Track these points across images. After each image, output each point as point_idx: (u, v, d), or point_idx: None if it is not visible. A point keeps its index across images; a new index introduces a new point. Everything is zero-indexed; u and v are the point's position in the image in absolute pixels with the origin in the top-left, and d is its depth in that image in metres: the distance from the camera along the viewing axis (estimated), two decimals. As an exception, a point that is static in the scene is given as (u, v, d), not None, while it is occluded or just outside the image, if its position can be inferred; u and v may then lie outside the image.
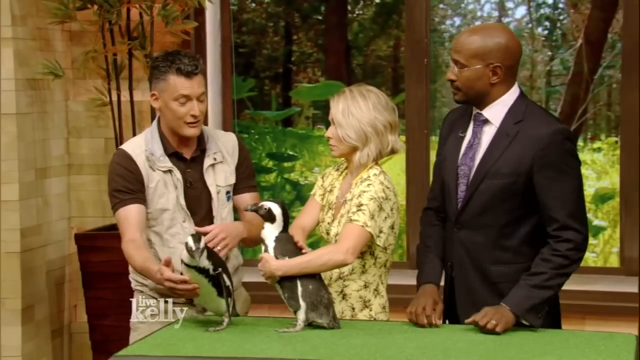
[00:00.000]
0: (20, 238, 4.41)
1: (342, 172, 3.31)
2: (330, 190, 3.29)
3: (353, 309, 3.19)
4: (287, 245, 3.02)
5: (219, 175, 3.32)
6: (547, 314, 2.94)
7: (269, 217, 3.02)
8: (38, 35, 4.55)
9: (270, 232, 3.02)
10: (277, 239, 3.01)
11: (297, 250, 3.05)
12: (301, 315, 2.95)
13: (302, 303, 2.96)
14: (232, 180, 3.35)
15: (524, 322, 2.87)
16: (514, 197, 2.94)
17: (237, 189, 3.37)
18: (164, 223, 3.27)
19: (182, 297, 3.01)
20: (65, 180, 4.78)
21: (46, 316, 4.62)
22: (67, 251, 4.77)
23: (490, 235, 2.99)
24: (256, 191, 3.43)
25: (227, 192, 3.35)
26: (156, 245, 3.28)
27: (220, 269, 2.95)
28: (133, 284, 3.37)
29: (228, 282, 2.95)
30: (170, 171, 3.26)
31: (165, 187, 3.25)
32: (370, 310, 3.19)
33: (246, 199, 3.36)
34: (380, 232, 3.12)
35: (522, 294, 2.88)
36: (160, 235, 3.28)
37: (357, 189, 3.14)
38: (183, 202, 3.26)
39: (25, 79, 4.45)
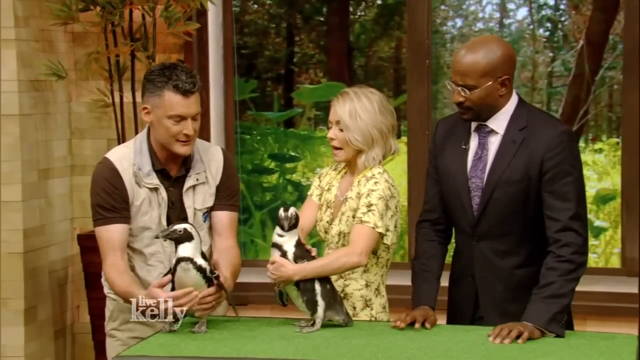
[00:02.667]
0: (23, 239, 4.42)
1: (340, 171, 3.31)
2: (328, 189, 3.28)
3: (354, 308, 3.19)
4: (303, 250, 3.01)
5: (198, 197, 3.21)
6: None
7: (295, 224, 2.98)
8: (41, 36, 4.57)
9: (291, 238, 2.98)
10: (297, 244, 2.99)
11: (309, 254, 3.05)
12: (320, 314, 2.96)
13: (321, 302, 2.96)
14: (210, 202, 3.24)
15: (548, 334, 2.84)
16: (529, 201, 2.94)
17: (215, 205, 3.25)
18: (144, 241, 3.19)
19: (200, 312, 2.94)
20: (68, 181, 4.79)
21: (49, 317, 4.63)
22: (69, 252, 4.78)
23: (512, 242, 2.98)
24: (236, 211, 3.29)
25: (204, 214, 3.24)
26: (135, 261, 3.22)
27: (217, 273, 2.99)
28: (105, 290, 3.32)
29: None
30: (156, 189, 3.16)
31: (149, 205, 3.16)
32: (372, 310, 3.19)
33: (222, 217, 3.24)
34: (387, 230, 3.13)
35: (539, 307, 2.85)
36: (140, 252, 3.21)
37: (365, 187, 3.14)
38: (165, 221, 3.17)
39: (28, 80, 4.46)
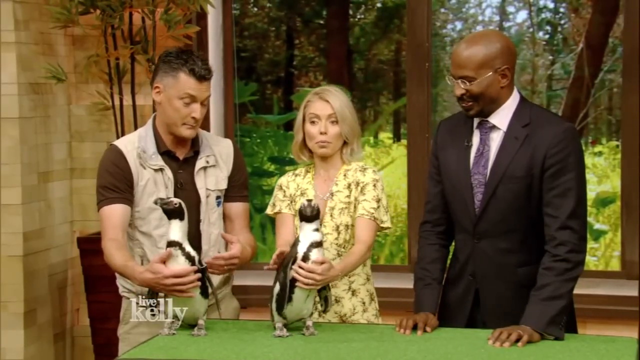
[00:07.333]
0: (23, 242, 4.41)
1: (304, 176, 3.30)
2: (302, 194, 3.26)
3: (363, 303, 3.23)
4: None
5: (210, 179, 3.26)
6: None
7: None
8: (41, 39, 4.57)
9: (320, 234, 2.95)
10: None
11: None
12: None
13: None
14: (224, 185, 3.29)
15: (547, 336, 2.83)
16: (531, 198, 2.94)
17: (229, 196, 3.31)
18: (152, 222, 3.22)
19: (179, 294, 2.91)
20: (68, 184, 4.79)
21: (48, 320, 4.62)
22: (69, 255, 4.78)
23: (514, 239, 2.98)
24: (247, 201, 3.37)
25: (217, 197, 3.28)
26: (145, 246, 3.24)
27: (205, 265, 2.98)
28: (120, 290, 3.33)
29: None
30: (161, 170, 3.21)
31: (155, 185, 3.20)
32: (376, 303, 3.25)
33: (237, 208, 3.31)
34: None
35: (537, 310, 2.85)
36: (149, 235, 3.23)
37: (365, 176, 3.20)
38: None
39: (28, 83, 4.46)
